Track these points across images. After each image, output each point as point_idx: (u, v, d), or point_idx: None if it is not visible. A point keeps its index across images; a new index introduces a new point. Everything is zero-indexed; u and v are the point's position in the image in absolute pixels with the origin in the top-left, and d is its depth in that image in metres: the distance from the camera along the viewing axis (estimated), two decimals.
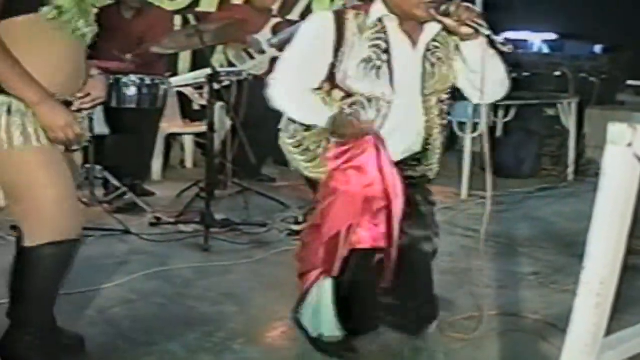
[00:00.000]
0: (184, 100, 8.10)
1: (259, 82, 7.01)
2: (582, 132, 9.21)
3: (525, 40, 18.03)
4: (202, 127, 7.00)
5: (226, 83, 6.67)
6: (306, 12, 9.14)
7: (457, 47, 3.41)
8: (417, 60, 3.40)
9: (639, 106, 10.42)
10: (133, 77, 6.31)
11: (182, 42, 6.52)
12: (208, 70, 5.97)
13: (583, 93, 9.23)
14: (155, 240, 5.53)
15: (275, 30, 7.59)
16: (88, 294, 4.28)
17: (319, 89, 3.45)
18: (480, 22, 3.16)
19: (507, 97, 7.95)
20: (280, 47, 7.38)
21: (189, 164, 8.62)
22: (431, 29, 3.40)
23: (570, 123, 8.63)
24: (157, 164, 7.69)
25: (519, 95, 8.33)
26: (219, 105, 6.81)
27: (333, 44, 3.35)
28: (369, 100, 3.35)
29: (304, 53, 3.45)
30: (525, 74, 8.94)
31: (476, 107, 7.39)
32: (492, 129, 9.09)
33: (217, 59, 7.93)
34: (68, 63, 3.00)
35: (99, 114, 6.21)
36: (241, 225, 5.84)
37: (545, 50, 17.45)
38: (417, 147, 3.53)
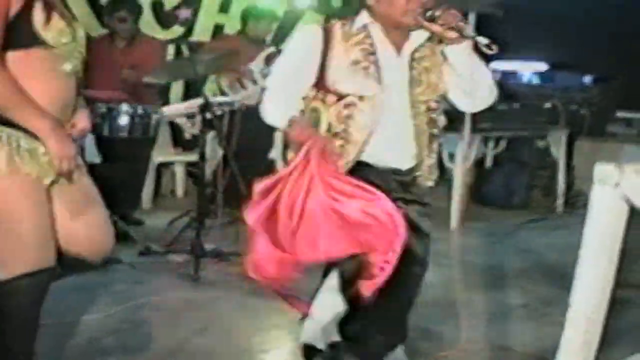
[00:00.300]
0: (175, 129, 8.11)
1: (251, 112, 7.05)
2: (572, 163, 9.24)
3: (515, 72, 18.12)
4: (193, 156, 7.02)
5: (218, 112, 6.69)
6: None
7: (444, 55, 3.42)
8: (402, 67, 3.42)
9: (629, 137, 10.47)
10: (125, 106, 6.32)
11: (175, 72, 6.55)
12: (200, 100, 6.00)
13: (573, 125, 9.27)
14: (145, 270, 5.53)
15: (268, 60, 7.61)
16: (78, 324, 4.29)
17: (313, 98, 3.46)
18: (464, 26, 3.23)
19: (498, 129, 8.12)
20: None
21: (179, 192, 8.63)
22: (416, 38, 3.43)
23: (560, 154, 8.67)
24: (147, 193, 7.69)
25: (510, 126, 8.38)
26: (210, 134, 6.83)
27: (321, 49, 3.39)
28: (361, 99, 3.34)
29: (293, 61, 3.48)
30: (516, 105, 8.97)
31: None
32: (482, 160, 9.14)
33: (210, 88, 7.94)
34: (59, 97, 3.01)
35: (90, 143, 6.22)
36: (232, 256, 5.84)
37: (536, 81, 17.53)
38: (408, 162, 3.48)
